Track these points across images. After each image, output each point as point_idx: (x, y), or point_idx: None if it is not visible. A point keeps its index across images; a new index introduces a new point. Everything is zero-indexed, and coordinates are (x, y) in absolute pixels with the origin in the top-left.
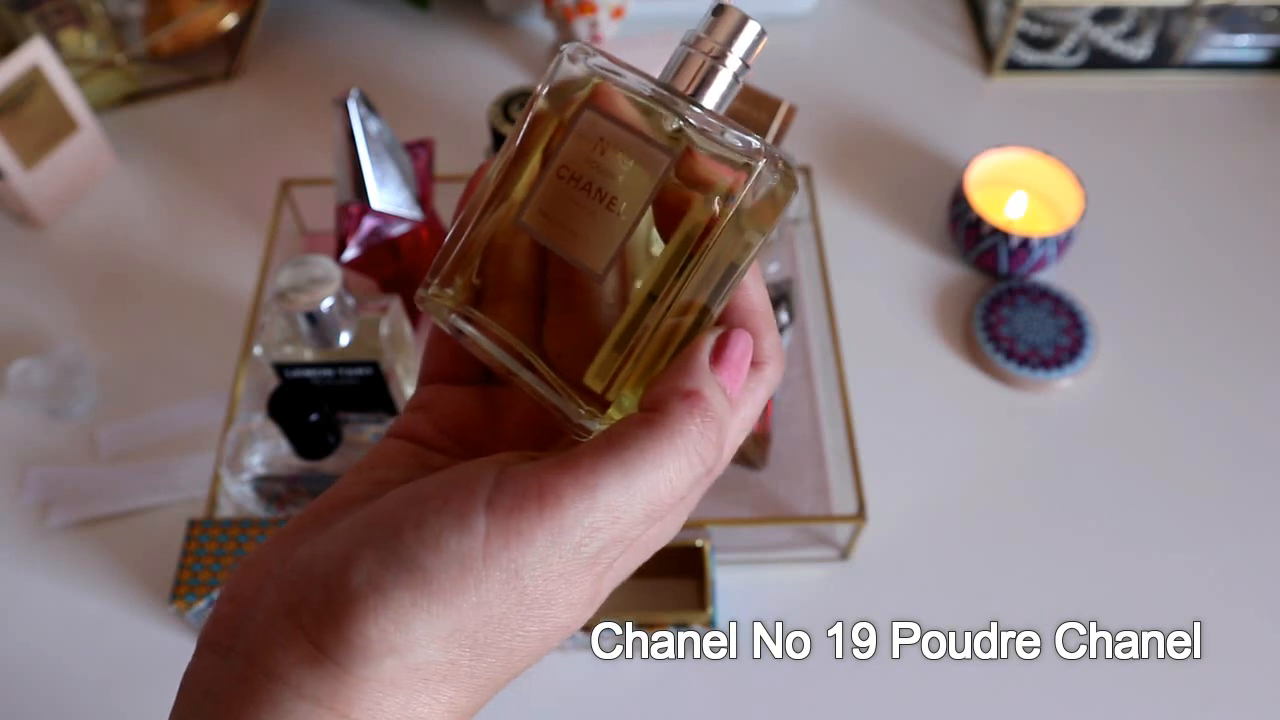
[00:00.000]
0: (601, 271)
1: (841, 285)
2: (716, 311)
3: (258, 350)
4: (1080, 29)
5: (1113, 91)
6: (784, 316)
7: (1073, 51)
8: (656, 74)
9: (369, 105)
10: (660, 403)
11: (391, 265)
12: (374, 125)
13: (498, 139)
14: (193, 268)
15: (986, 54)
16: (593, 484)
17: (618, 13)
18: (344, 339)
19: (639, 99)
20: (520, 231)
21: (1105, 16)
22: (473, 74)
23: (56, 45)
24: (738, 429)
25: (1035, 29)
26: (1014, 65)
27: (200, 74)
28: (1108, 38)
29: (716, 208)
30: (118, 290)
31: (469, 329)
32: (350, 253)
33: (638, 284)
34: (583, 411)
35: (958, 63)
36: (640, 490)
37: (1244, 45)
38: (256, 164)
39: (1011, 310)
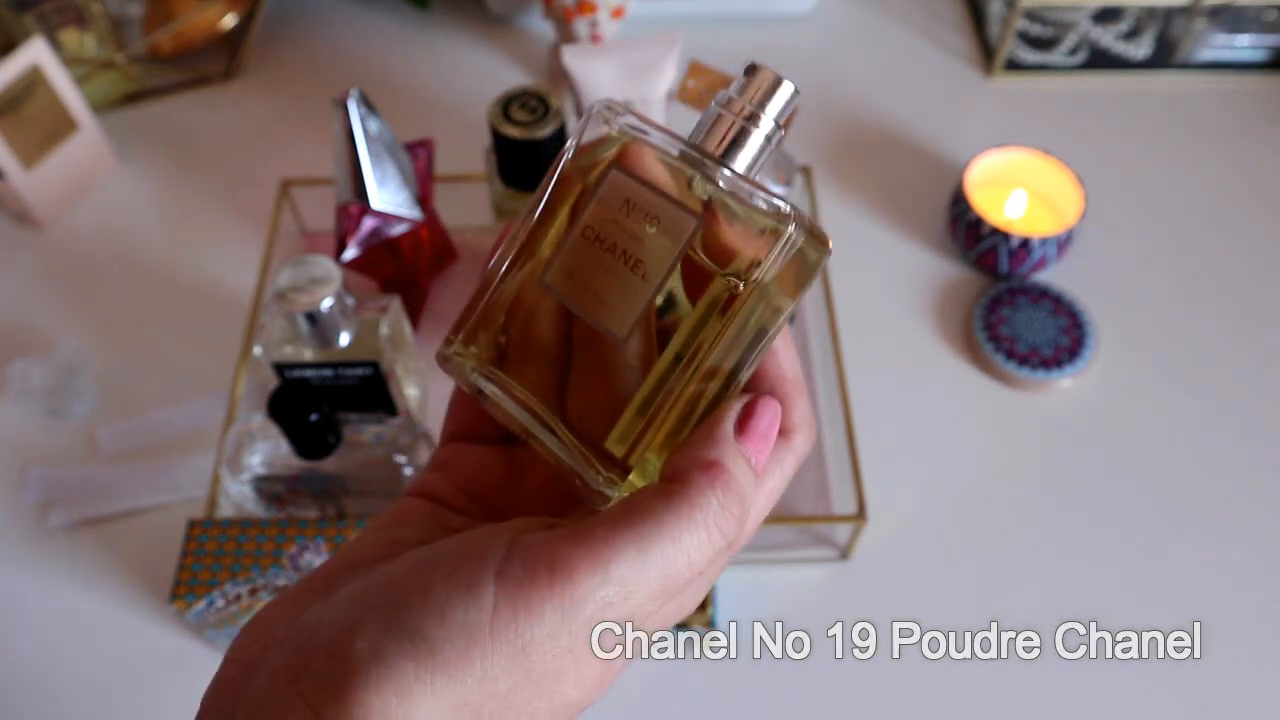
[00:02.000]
0: (624, 335)
1: (841, 285)
2: (744, 377)
3: (258, 350)
4: (1080, 29)
5: (1113, 91)
6: None
7: (1073, 51)
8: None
9: (369, 105)
10: (680, 473)
11: (391, 265)
12: (374, 125)
13: (498, 139)
14: (193, 268)
15: (986, 54)
16: (606, 557)
17: (618, 13)
18: (344, 339)
19: (667, 159)
20: (545, 292)
21: (1105, 16)
22: (473, 74)
23: (56, 45)
24: (764, 501)
25: (1035, 29)
26: (1014, 65)
27: (200, 74)
28: (1108, 38)
29: (743, 274)
30: (117, 290)
31: (490, 389)
32: (350, 253)
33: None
34: (601, 478)
35: (958, 63)
36: (655, 565)
37: (1244, 45)
38: (256, 164)
39: (1011, 310)
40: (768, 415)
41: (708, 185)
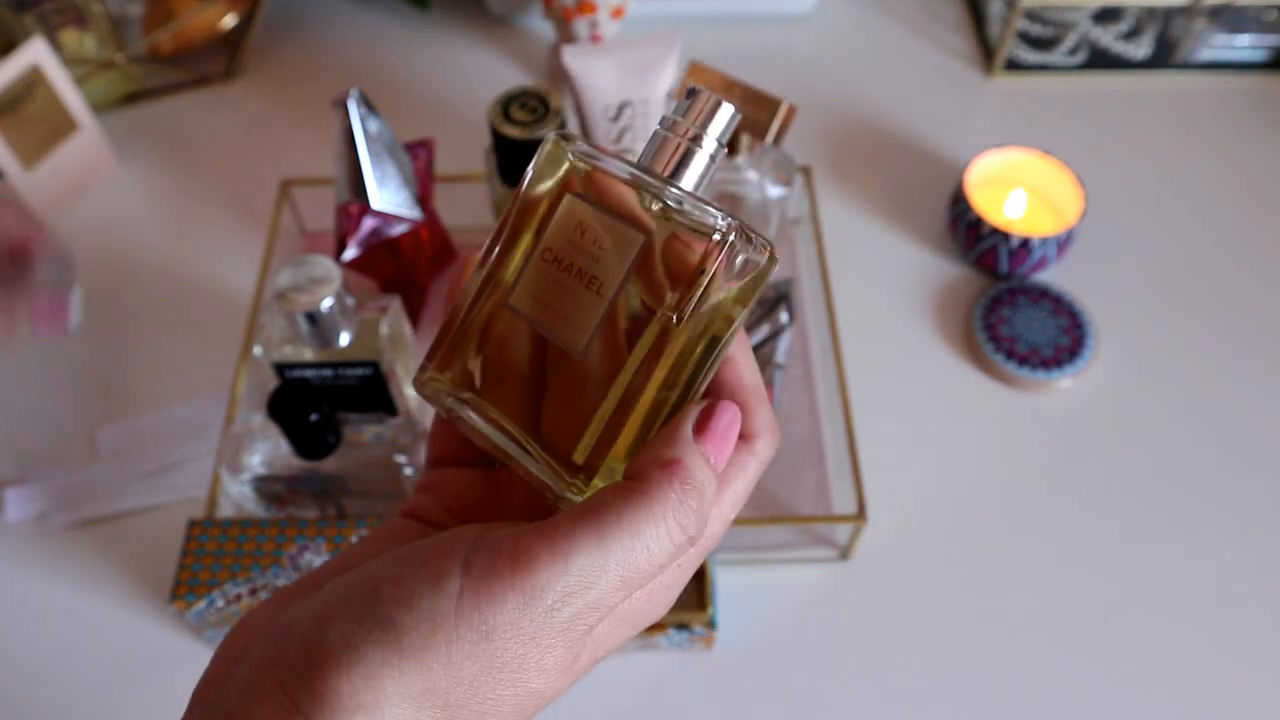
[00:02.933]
0: (581, 348)
1: (841, 285)
2: (702, 385)
3: (258, 350)
4: (1080, 29)
5: (1113, 91)
6: (784, 316)
7: (1073, 51)
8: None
9: (369, 105)
10: (641, 472)
11: (391, 265)
12: (374, 125)
13: (498, 139)
14: (193, 268)
15: (986, 54)
16: (565, 548)
17: (617, 13)
18: (344, 339)
19: (621, 181)
20: (514, 316)
21: (1105, 16)
22: (473, 74)
23: (56, 45)
24: (729, 503)
25: (1035, 29)
26: (1014, 65)
27: (200, 74)
28: (1108, 38)
29: (696, 285)
30: (117, 290)
31: (466, 412)
32: (350, 253)
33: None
34: (568, 486)
35: (958, 63)
36: (614, 556)
37: (1244, 45)
38: (256, 164)
39: (1011, 310)
40: (726, 416)
41: (655, 203)
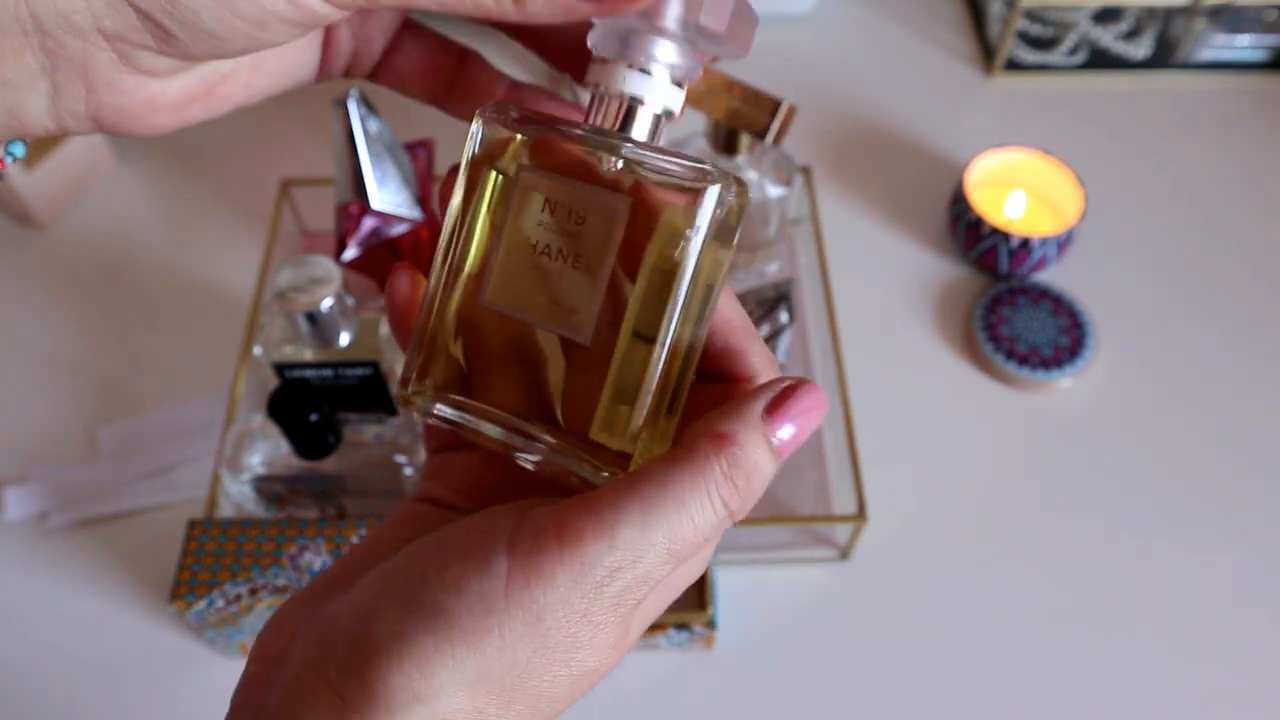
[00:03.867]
0: (589, 336)
1: (841, 285)
2: (702, 338)
3: (258, 350)
4: (1080, 29)
5: (1113, 91)
6: (784, 316)
7: (1073, 51)
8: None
9: (369, 105)
10: (691, 440)
11: (391, 265)
12: (374, 125)
13: None
14: (193, 268)
15: (986, 54)
16: (611, 521)
17: None
18: (344, 339)
19: (573, 146)
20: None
21: (1105, 16)
22: None
23: None
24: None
25: (1035, 29)
26: (1014, 65)
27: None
28: (1108, 38)
29: (684, 236)
30: (118, 290)
31: (460, 415)
32: (350, 253)
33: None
34: (604, 474)
35: (958, 63)
36: (660, 529)
37: (1244, 45)
38: (256, 164)
39: (1011, 310)
40: (806, 400)
41: (615, 162)
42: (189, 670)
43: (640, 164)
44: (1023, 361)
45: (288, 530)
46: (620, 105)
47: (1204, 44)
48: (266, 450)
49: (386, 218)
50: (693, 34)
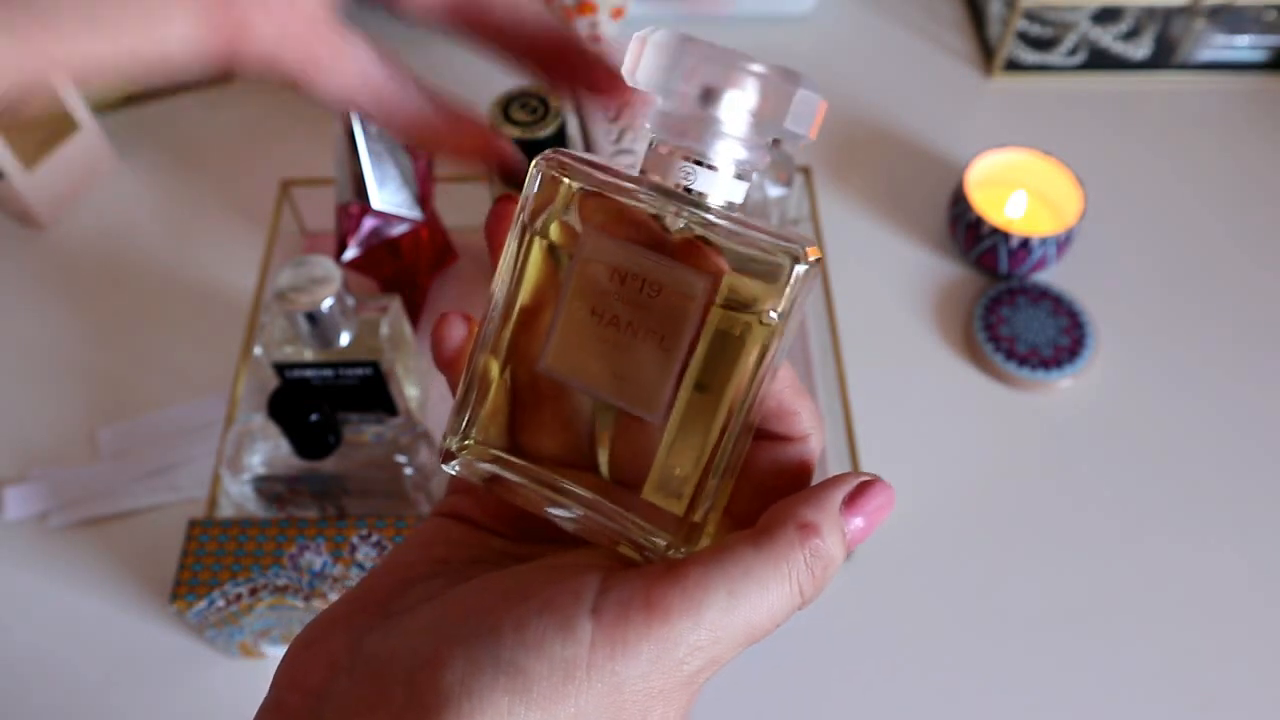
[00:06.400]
0: (660, 414)
1: (841, 285)
2: (764, 400)
3: (258, 350)
4: (1080, 29)
5: (1113, 91)
6: None
7: (1073, 51)
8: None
9: None
10: (775, 525)
11: (391, 265)
12: (374, 125)
13: None
14: (193, 268)
15: (986, 54)
16: (699, 599)
17: (618, 13)
18: (344, 339)
19: (639, 205)
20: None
21: (1105, 16)
22: (473, 74)
23: None
24: None
25: (1035, 29)
26: (1014, 65)
27: (200, 74)
28: (1108, 38)
29: (762, 309)
30: (118, 290)
31: (508, 474)
32: (350, 253)
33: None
34: (659, 539)
35: (958, 63)
36: (742, 613)
37: (1244, 45)
38: (256, 164)
39: (1011, 310)
40: (880, 498)
41: (681, 222)
42: (189, 670)
43: (721, 232)
44: (1022, 361)
45: (288, 530)
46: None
47: (1203, 44)
48: (266, 450)
49: (387, 218)
50: (772, 133)
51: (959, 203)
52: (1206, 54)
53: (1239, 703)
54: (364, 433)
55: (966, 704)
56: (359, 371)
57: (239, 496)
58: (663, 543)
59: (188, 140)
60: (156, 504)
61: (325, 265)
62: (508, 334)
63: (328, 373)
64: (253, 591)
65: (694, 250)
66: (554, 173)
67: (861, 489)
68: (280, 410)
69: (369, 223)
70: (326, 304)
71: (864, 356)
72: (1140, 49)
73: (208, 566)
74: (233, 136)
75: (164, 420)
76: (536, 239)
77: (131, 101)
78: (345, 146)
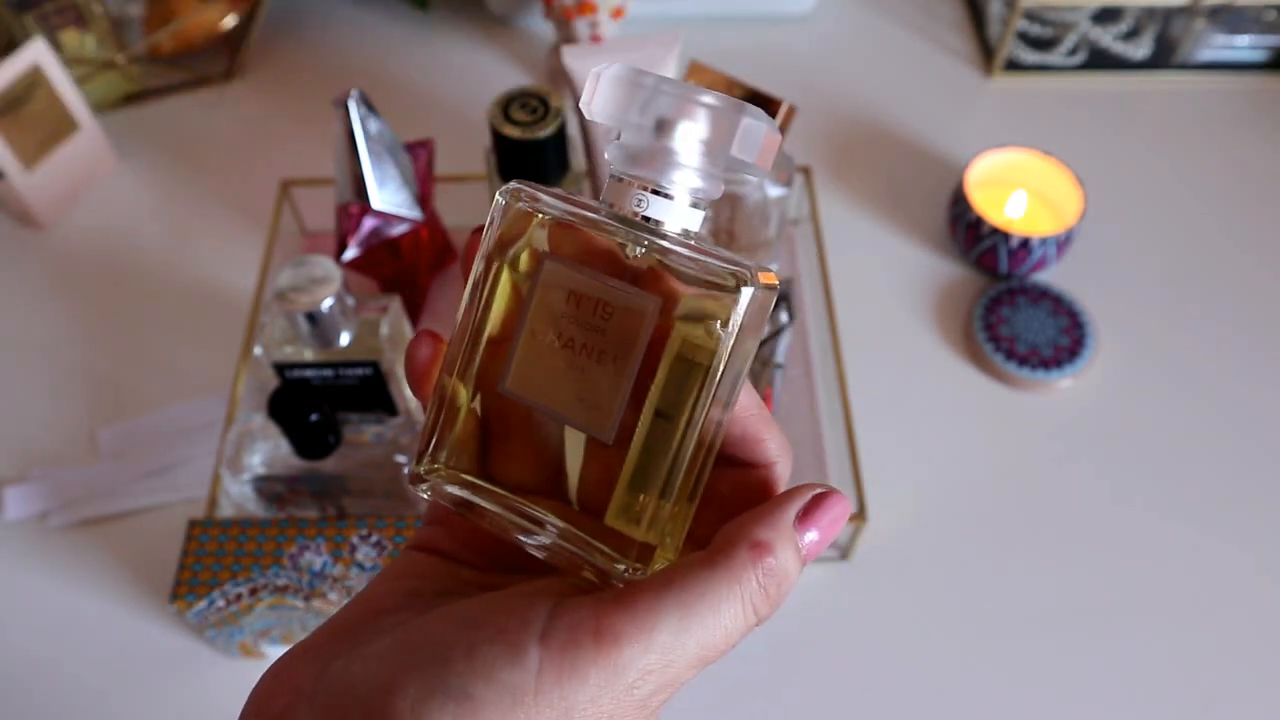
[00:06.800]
0: (611, 434)
1: (841, 285)
2: (725, 425)
3: (258, 350)
4: (1080, 29)
5: (1113, 91)
6: (784, 317)
7: (1073, 51)
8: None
9: (369, 105)
10: (728, 545)
11: (391, 265)
12: (374, 125)
13: (498, 139)
14: (193, 268)
15: (986, 54)
16: (650, 625)
17: (618, 13)
18: (344, 339)
19: (597, 230)
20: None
21: (1105, 16)
22: (473, 74)
23: (57, 45)
24: None
25: (1035, 29)
26: (1014, 65)
27: (200, 74)
28: (1108, 38)
29: (717, 334)
30: (118, 290)
31: (476, 499)
32: (350, 253)
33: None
34: (620, 566)
35: (958, 63)
36: (695, 635)
37: (1244, 45)
38: (256, 164)
39: (1011, 310)
40: (835, 510)
41: (640, 249)
42: (189, 670)
43: (676, 257)
44: (1022, 361)
45: (288, 530)
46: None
47: (1203, 44)
48: (266, 450)
49: (387, 218)
50: (722, 162)
51: (959, 203)
52: (1206, 54)
53: (1239, 702)
54: (364, 433)
55: (967, 703)
56: (359, 371)
57: (239, 496)
58: (622, 568)
59: (188, 140)
60: (156, 504)
61: (325, 265)
62: (476, 362)
63: (328, 373)
64: (253, 591)
65: (653, 277)
66: (518, 204)
67: (816, 502)
68: (280, 410)
69: (369, 223)
70: (326, 304)
71: (864, 356)
72: (1140, 49)
73: (208, 566)
74: (233, 136)
75: (164, 420)
76: (506, 269)
77: (131, 101)
78: (345, 146)
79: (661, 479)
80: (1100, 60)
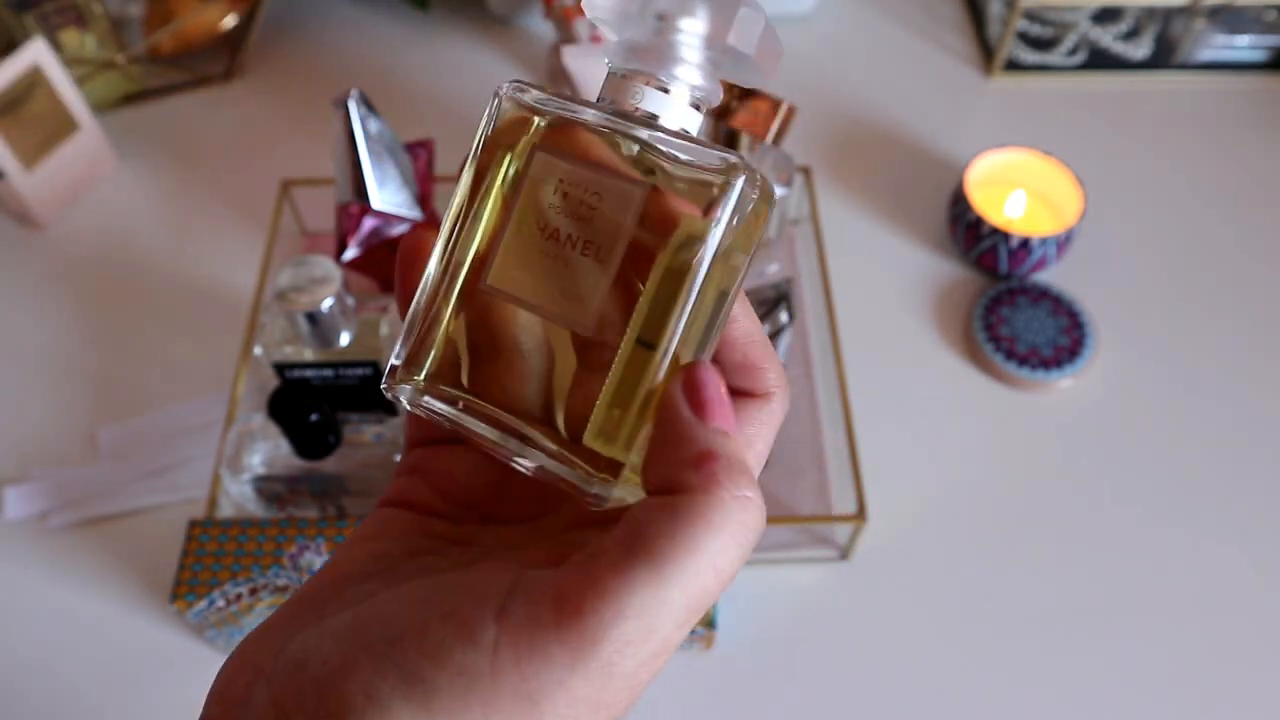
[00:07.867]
0: (591, 325)
1: (841, 285)
2: (713, 347)
3: (258, 350)
4: (1080, 29)
5: (1113, 91)
6: (784, 317)
7: (1072, 51)
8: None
9: (369, 105)
10: (672, 482)
11: (392, 265)
12: (374, 125)
13: None
14: (193, 268)
15: (986, 54)
16: (617, 588)
17: None
18: (344, 339)
19: (592, 128)
20: (494, 295)
21: (1105, 16)
22: (473, 74)
23: (57, 45)
24: (755, 469)
25: (1035, 29)
26: (1014, 65)
27: (200, 74)
28: (1108, 38)
29: (695, 236)
30: (118, 290)
31: (449, 410)
32: (350, 253)
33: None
34: (594, 480)
35: (958, 63)
36: (677, 585)
37: (1244, 45)
38: (256, 164)
39: (1011, 310)
40: (712, 382)
41: (635, 147)
42: (189, 670)
43: (662, 150)
44: (1022, 361)
45: (288, 530)
46: (648, 81)
47: (1203, 44)
48: (266, 450)
49: (387, 218)
50: (719, 55)
51: (959, 203)
52: (1206, 54)
53: (1239, 702)
54: (364, 433)
55: (967, 703)
56: (359, 371)
57: (239, 496)
58: (597, 487)
59: (188, 140)
60: (156, 504)
61: (325, 265)
62: (461, 278)
63: (328, 373)
64: (253, 591)
65: (655, 200)
66: (521, 95)
67: (691, 387)
68: (280, 410)
69: (369, 223)
70: (326, 304)
71: (864, 356)
72: (1140, 49)
73: (208, 566)
74: (233, 136)
75: (164, 420)
76: (496, 167)
77: (131, 101)
78: (345, 146)
79: (640, 399)
80: (1100, 60)
